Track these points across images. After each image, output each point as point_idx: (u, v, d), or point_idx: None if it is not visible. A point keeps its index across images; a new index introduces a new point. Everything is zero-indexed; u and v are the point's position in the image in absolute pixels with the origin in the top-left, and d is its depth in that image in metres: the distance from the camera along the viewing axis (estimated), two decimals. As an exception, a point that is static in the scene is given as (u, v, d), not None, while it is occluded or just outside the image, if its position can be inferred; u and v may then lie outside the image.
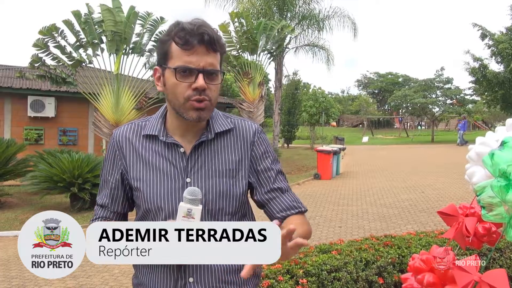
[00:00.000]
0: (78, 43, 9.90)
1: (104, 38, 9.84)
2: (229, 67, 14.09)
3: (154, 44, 10.16)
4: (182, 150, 1.30)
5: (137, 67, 15.63)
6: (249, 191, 1.40)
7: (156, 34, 10.11)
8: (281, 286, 2.93)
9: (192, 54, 1.19)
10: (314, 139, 25.04)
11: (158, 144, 1.31)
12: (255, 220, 1.41)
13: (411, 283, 1.23)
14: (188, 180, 1.27)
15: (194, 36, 1.18)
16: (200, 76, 1.20)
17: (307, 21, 18.50)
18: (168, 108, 1.33)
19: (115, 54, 10.04)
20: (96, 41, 9.84)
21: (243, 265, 1.28)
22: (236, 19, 13.50)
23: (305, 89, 35.27)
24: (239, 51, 14.28)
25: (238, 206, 1.33)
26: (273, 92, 22.04)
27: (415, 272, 1.23)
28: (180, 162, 1.29)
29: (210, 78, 1.23)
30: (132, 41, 10.18)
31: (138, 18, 10.11)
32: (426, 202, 8.42)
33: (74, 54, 9.97)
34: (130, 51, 10.24)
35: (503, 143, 0.86)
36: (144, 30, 10.32)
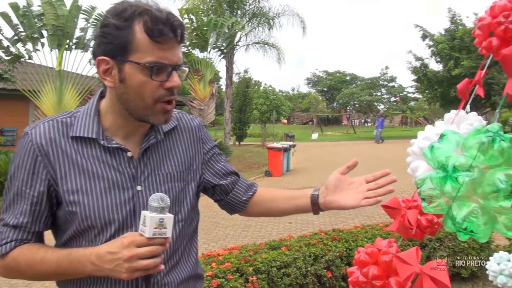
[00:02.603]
0: (16, 37, 9.32)
1: (44, 32, 9.34)
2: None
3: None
4: (129, 154, 1.13)
5: (81, 63, 15.01)
6: (205, 188, 1.34)
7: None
8: (231, 285, 2.90)
9: (165, 49, 1.04)
10: (265, 136, 25.22)
11: (97, 148, 1.11)
12: (197, 225, 1.33)
13: (356, 276, 1.23)
14: (139, 188, 1.13)
15: (167, 26, 1.02)
16: (175, 74, 1.07)
17: (257, 19, 18.60)
18: (113, 105, 1.13)
19: (57, 50, 9.56)
20: (36, 35, 9.32)
21: (190, 274, 1.24)
22: (185, 16, 13.29)
23: (256, 87, 35.42)
24: (189, 48, 14.08)
25: (190, 210, 1.24)
26: (224, 89, 21.96)
27: (360, 265, 1.22)
28: (127, 169, 1.13)
29: (178, 75, 1.10)
30: (75, 36, 9.74)
31: (82, 12, 9.69)
32: (373, 196, 8.71)
33: (12, 49, 9.38)
34: (73, 47, 9.79)
35: (441, 136, 0.87)
36: (89, 25, 9.90)
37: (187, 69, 1.15)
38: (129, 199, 1.12)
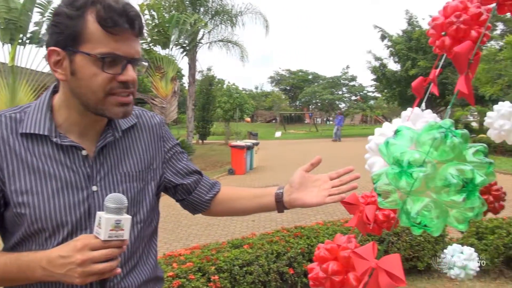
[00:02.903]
0: (-36, 31, 8.80)
1: (-5, 26, 8.86)
2: (139, 61, 13.53)
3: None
4: (84, 153, 1.07)
5: (36, 58, 14.43)
6: (166, 188, 1.29)
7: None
8: (193, 285, 2.86)
9: (120, 40, 0.98)
10: (229, 134, 25.16)
11: (49, 146, 1.05)
12: (157, 225, 1.30)
13: (316, 272, 1.23)
14: (94, 188, 1.07)
15: (123, 17, 0.97)
16: (130, 67, 1.01)
17: (220, 17, 18.45)
18: (66, 100, 1.07)
19: (9, 44, 9.09)
20: (-14, 29, 8.83)
21: (149, 276, 1.20)
22: (146, 11, 13.01)
23: (219, 85, 35.26)
24: (150, 44, 13.81)
25: (149, 211, 1.19)
26: (186, 87, 21.70)
27: (320, 261, 1.23)
28: (82, 168, 1.07)
29: (136, 69, 1.05)
30: (29, 31, 9.30)
31: (36, 5, 9.26)
32: (334, 193, 8.87)
33: (-41, 43, 8.86)
34: (27, 41, 9.35)
35: (396, 132, 0.88)
36: (44, 19, 9.48)
37: (146, 64, 1.11)
38: (83, 200, 1.06)
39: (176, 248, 5.34)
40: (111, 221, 0.94)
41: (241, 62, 20.30)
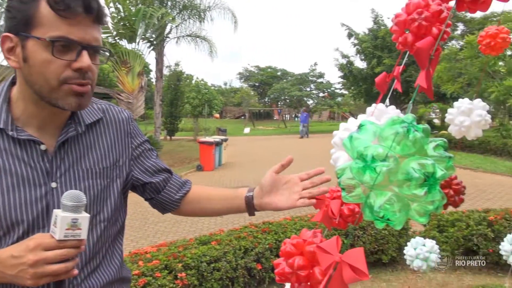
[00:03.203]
0: None
1: None
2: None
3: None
4: (43, 147, 1.02)
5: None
6: (134, 186, 1.25)
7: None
8: (159, 283, 2.82)
9: (74, 24, 0.93)
10: (197, 130, 24.95)
11: (5, 139, 1.00)
12: (123, 225, 1.25)
13: (282, 267, 1.22)
14: (53, 185, 1.02)
15: (78, 0, 0.92)
16: (85, 54, 0.96)
17: (188, 11, 18.21)
18: (22, 90, 1.02)
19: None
20: None
21: (114, 278, 1.15)
22: (111, 4, 12.68)
23: (187, 80, 34.85)
24: (116, 38, 13.46)
25: (114, 209, 1.14)
26: (154, 83, 21.35)
27: (286, 257, 1.22)
28: (41, 163, 1.02)
29: (94, 57, 0.99)
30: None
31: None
32: (302, 188, 8.96)
33: None
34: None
35: (360, 126, 0.89)
36: (2, 9, 9.08)
37: (107, 53, 1.07)
38: (41, 197, 1.00)
39: (143, 246, 5.24)
40: (67, 220, 0.90)
41: (210, 57, 20.11)
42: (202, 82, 26.48)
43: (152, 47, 15.64)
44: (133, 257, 3.22)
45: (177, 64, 25.62)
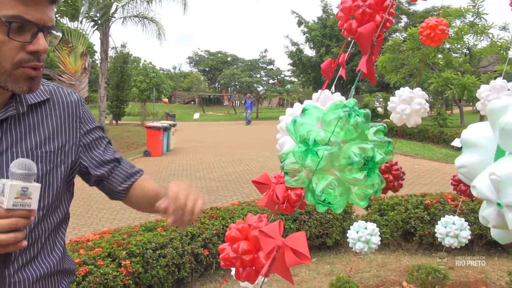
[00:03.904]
0: None
1: None
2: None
3: None
4: None
5: None
6: (81, 173, 1.18)
7: None
8: (101, 271, 2.73)
9: (31, 4, 0.88)
10: (145, 115, 24.31)
11: None
12: (67, 213, 1.18)
13: (227, 252, 1.21)
14: None
15: None
16: (41, 36, 0.90)
17: (135, -10, 17.52)
18: None
19: None
20: None
21: (54, 270, 1.09)
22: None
23: (135, 63, 33.71)
24: (57, 15, 12.71)
25: (55, 197, 1.08)
26: (99, 64, 20.44)
27: (231, 242, 1.21)
28: None
29: (46, 39, 0.93)
30: None
31: None
32: (250, 174, 9.03)
33: None
34: None
35: (303, 111, 0.88)
36: None
37: (60, 34, 1.00)
38: None
39: (86, 233, 5.06)
40: (17, 188, 0.85)
41: (158, 40, 19.55)
42: (150, 65, 25.72)
43: (96, 27, 14.93)
44: (74, 245, 3.09)
45: (123, 46, 24.69)
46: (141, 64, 28.57)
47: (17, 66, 0.91)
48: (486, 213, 0.78)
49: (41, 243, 1.06)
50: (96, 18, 14.12)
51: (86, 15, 13.31)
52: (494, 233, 0.91)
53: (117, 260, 2.97)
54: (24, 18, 0.87)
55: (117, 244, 3.09)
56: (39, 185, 0.89)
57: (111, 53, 21.69)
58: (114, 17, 17.58)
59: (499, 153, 0.78)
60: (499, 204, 0.72)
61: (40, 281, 1.04)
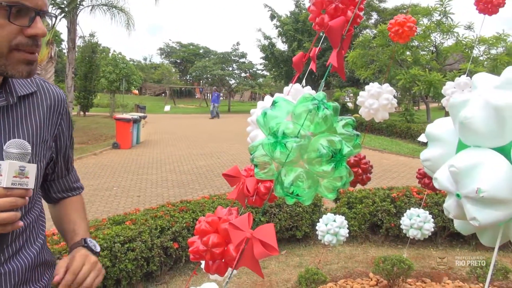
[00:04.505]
0: None
1: None
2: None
3: None
4: None
5: None
6: None
7: None
8: (67, 265, 2.67)
9: None
10: (114, 107, 23.80)
11: None
12: (42, 205, 1.18)
13: (197, 245, 1.21)
14: None
15: None
16: (39, 20, 0.90)
17: (104, -22, 17.04)
18: None
19: None
20: None
21: (37, 261, 1.08)
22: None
23: (104, 53, 32.86)
24: (21, 1, 12.22)
25: (37, 190, 1.08)
26: (66, 53, 19.83)
27: (201, 235, 1.21)
28: None
29: (43, 23, 0.93)
30: None
31: None
32: (222, 167, 9.01)
33: None
34: None
35: (273, 103, 0.88)
36: None
37: (54, 19, 0.98)
38: None
39: (52, 227, 4.92)
40: (15, 167, 0.86)
41: (127, 30, 19.10)
42: (120, 56, 25.17)
43: (63, 15, 14.44)
44: (38, 239, 3.01)
45: (92, 35, 24.04)
46: (110, 55, 27.91)
47: (14, 49, 0.90)
48: (447, 204, 0.81)
49: (26, 235, 1.07)
50: (63, 6, 13.65)
51: (53, 1, 12.85)
52: (457, 225, 0.94)
53: (83, 254, 2.91)
54: (23, 3, 0.88)
55: (84, 237, 3.03)
56: (35, 165, 0.90)
57: (79, 42, 21.06)
58: (82, 5, 17.07)
59: (460, 147, 0.81)
60: (458, 195, 0.75)
61: (26, 273, 1.04)
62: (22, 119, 1.03)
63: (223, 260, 1.30)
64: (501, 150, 0.75)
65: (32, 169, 0.89)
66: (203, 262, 1.42)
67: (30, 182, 0.88)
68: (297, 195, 0.85)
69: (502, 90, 0.75)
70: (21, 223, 0.91)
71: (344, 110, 22.95)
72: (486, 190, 0.69)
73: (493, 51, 15.11)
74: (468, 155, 0.76)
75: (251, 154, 0.91)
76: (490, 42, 14.37)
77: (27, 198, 0.90)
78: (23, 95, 1.04)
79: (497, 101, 0.72)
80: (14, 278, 1.01)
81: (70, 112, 15.80)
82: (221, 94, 31.96)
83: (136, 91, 39.75)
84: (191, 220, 3.76)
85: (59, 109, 1.14)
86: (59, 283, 1.04)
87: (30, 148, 0.91)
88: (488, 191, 0.69)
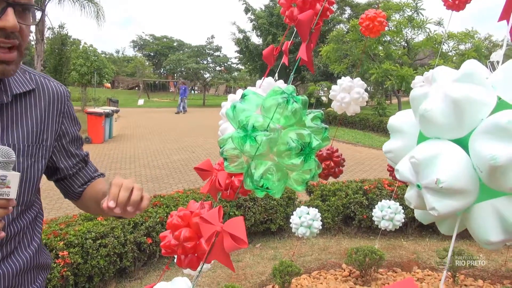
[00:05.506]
0: None
1: None
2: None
3: None
4: None
5: None
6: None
7: None
8: (36, 263, 2.61)
9: None
10: (86, 100, 23.26)
11: None
12: (41, 207, 1.15)
13: (169, 240, 1.20)
14: None
15: None
16: (10, 12, 0.83)
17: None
18: None
19: None
20: None
21: (30, 264, 1.05)
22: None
23: (74, 45, 32.02)
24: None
25: (34, 192, 1.03)
26: (34, 45, 19.20)
27: (173, 229, 1.20)
28: None
29: (23, 16, 0.85)
30: None
31: None
32: (196, 161, 8.95)
33: None
34: None
35: (243, 96, 0.88)
36: None
37: (39, 12, 0.94)
38: None
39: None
40: None
41: (97, 22, 18.66)
42: (91, 48, 24.55)
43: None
44: (6, 237, 2.92)
45: (61, 27, 23.41)
46: (81, 47, 27.18)
47: None
48: (408, 195, 0.84)
49: (19, 238, 1.03)
50: (30, -4, 13.18)
51: (19, -8, 12.39)
52: (417, 214, 0.97)
53: (54, 251, 2.85)
54: None
55: (54, 234, 2.96)
56: (18, 173, 0.84)
57: (47, 33, 20.44)
58: (51, -4, 16.56)
59: (421, 138, 0.84)
60: (418, 186, 0.77)
61: (16, 277, 1.00)
62: (18, 118, 0.99)
63: (195, 254, 1.30)
64: (460, 142, 0.77)
65: (14, 178, 0.83)
66: (176, 257, 1.41)
67: (12, 192, 0.82)
68: (267, 188, 0.86)
69: (461, 83, 0.77)
70: (2, 234, 0.85)
71: (318, 104, 23.15)
72: (444, 181, 0.72)
73: (461, 47, 15.54)
74: (428, 147, 0.78)
75: (220, 148, 0.91)
76: (459, 37, 14.76)
77: (10, 208, 0.83)
78: (19, 93, 0.99)
79: (456, 94, 0.75)
80: (4, 282, 0.98)
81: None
82: (196, 88, 31.65)
83: (109, 85, 38.96)
84: (165, 214, 3.73)
85: (60, 107, 1.09)
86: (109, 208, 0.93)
87: (14, 156, 0.84)
88: (447, 181, 0.72)
